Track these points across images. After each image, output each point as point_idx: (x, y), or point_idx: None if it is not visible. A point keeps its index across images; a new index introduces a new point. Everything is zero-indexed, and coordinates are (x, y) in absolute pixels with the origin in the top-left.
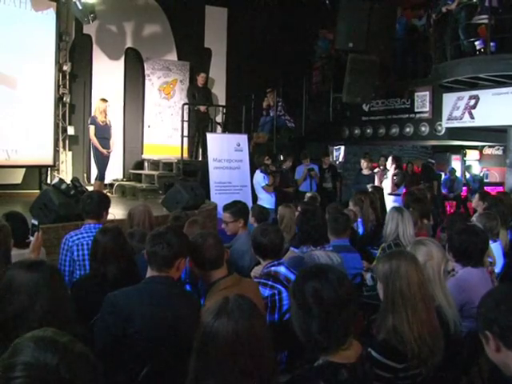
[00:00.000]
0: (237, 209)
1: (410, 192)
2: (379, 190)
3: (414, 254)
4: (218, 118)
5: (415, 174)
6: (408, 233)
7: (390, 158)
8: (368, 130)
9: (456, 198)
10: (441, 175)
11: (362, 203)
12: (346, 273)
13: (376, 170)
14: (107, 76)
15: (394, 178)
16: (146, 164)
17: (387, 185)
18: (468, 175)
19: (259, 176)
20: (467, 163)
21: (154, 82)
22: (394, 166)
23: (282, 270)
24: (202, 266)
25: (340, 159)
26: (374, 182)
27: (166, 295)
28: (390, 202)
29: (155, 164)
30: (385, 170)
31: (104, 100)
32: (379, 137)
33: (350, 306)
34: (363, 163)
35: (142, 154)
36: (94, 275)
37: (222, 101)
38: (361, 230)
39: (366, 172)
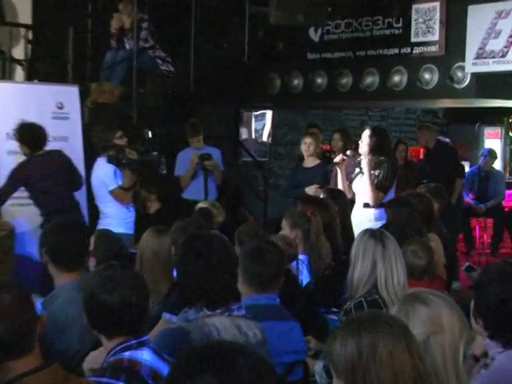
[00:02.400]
0: None
1: (396, 201)
2: (340, 196)
3: (404, 322)
4: (18, 52)
5: (411, 165)
6: (395, 279)
7: (366, 133)
8: (319, 80)
9: (492, 211)
10: (463, 167)
11: (307, 223)
12: (271, 361)
13: (337, 160)
14: None
15: (378, 173)
16: None
17: (361, 189)
18: None
19: (105, 170)
20: None
21: None
22: (370, 143)
23: (145, 357)
24: None
25: (264, 136)
26: (326, 181)
27: None
28: (366, 221)
29: None
30: (355, 156)
31: None
32: (341, 92)
33: None
34: (306, 143)
35: None
36: None
37: (24, 16)
38: (305, 276)
39: (310, 163)
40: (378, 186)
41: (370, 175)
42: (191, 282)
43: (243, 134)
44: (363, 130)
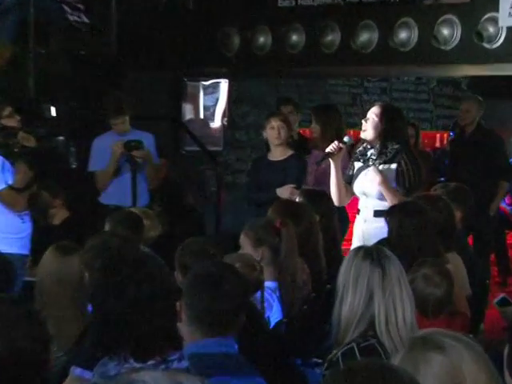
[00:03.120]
0: None
1: (401, 207)
2: (324, 200)
3: (411, 375)
4: None
5: (423, 156)
6: (400, 317)
7: (373, 111)
8: (294, 37)
9: None
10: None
11: (275, 238)
12: None
13: (330, 148)
14: None
15: (400, 168)
16: None
17: (370, 190)
18: None
19: None
20: None
21: None
22: (380, 125)
23: None
24: None
25: (217, 116)
26: (302, 180)
27: None
28: (380, 233)
29: None
30: (355, 145)
31: None
32: (325, 55)
33: None
34: (273, 127)
35: None
36: None
37: None
38: (274, 313)
39: (279, 154)
40: (408, 187)
41: (386, 183)
42: (112, 321)
43: (187, 112)
44: (356, 108)
